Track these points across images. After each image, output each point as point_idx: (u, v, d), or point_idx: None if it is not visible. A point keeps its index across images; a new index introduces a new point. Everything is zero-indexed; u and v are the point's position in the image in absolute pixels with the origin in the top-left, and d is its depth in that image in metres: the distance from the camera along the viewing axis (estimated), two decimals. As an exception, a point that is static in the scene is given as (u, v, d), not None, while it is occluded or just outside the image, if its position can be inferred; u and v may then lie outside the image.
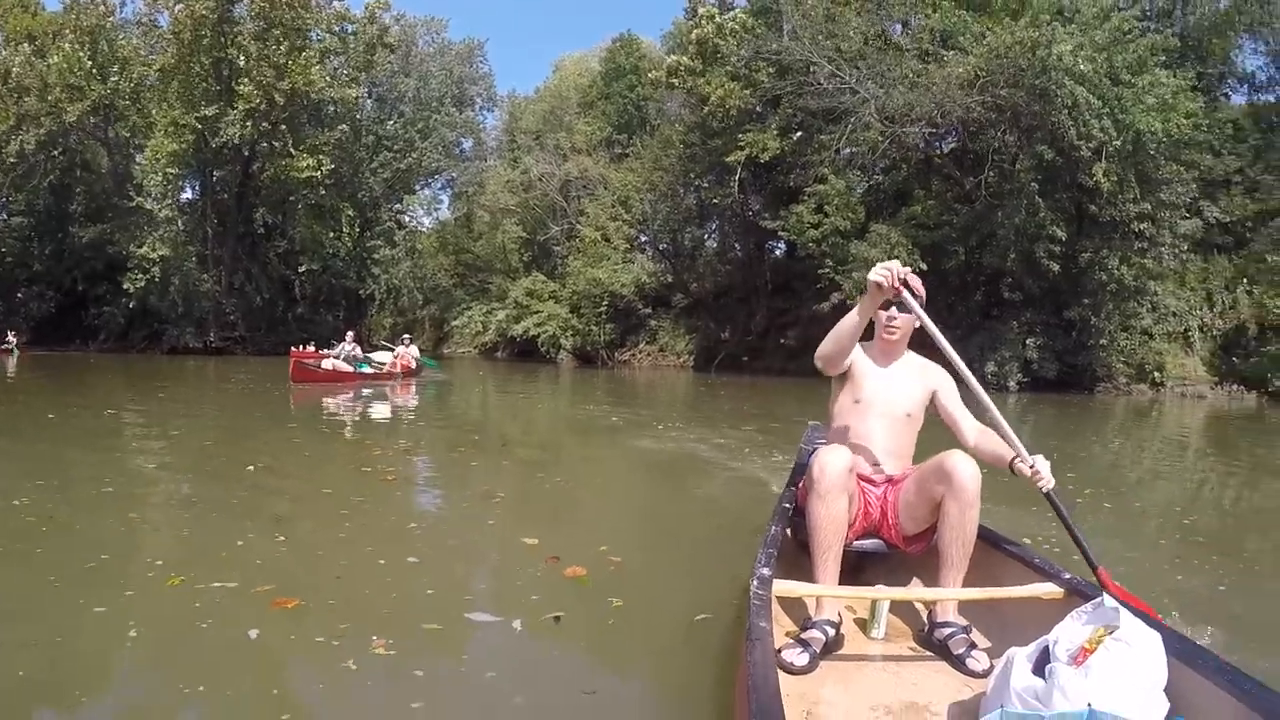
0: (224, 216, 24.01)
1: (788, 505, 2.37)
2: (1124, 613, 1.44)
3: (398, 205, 29.15)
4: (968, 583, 1.95)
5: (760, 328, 19.24)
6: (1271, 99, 21.47)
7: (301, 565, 2.69)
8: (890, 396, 2.20)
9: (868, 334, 2.16)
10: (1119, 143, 13.90)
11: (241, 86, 20.98)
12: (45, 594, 2.29)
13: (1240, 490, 5.80)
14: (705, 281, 21.69)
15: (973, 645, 1.83)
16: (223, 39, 21.50)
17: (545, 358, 22.48)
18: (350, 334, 13.99)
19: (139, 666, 1.92)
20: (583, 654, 2.18)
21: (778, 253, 18.94)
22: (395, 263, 27.58)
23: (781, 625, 1.98)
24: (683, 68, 18.77)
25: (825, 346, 2.13)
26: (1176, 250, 16.10)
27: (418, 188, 30.61)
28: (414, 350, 14.97)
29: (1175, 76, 14.67)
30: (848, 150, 16.56)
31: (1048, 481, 1.91)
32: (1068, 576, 1.84)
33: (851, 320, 2.01)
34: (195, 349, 22.47)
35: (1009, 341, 15.51)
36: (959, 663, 1.80)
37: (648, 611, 2.45)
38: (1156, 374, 16.32)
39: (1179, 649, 1.44)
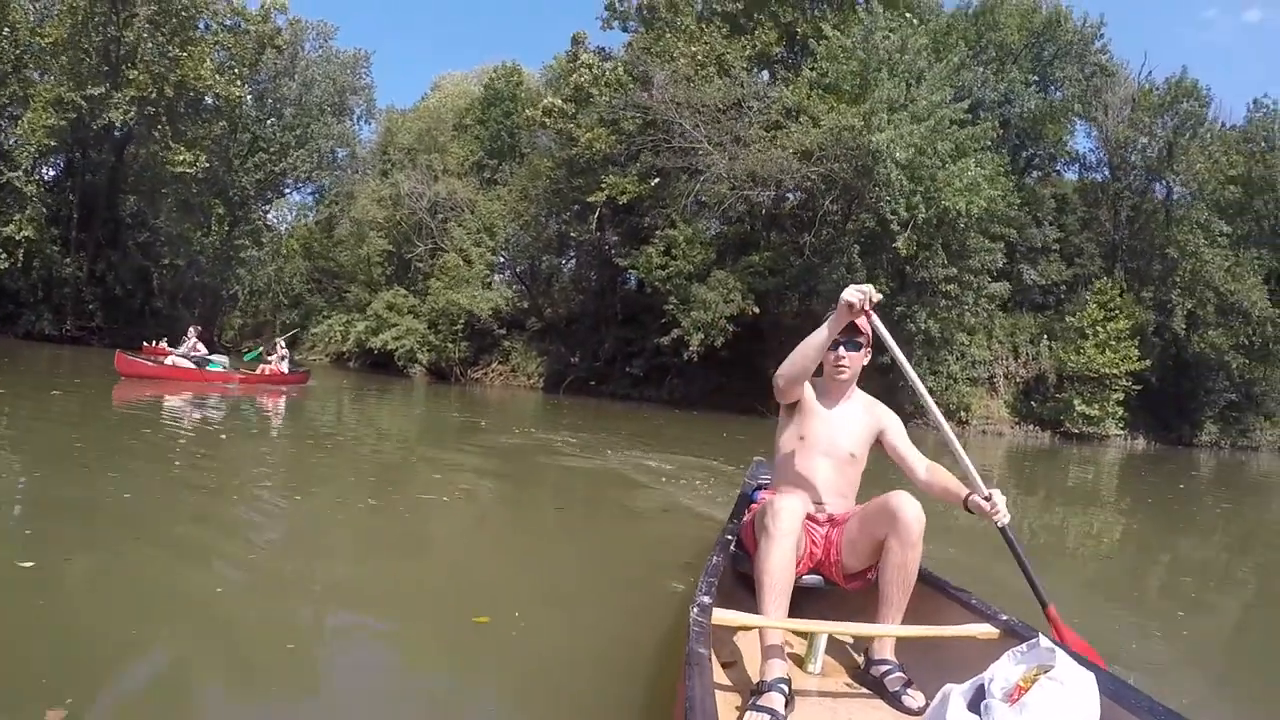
0: (90, 201, 23.46)
1: (730, 538, 2.46)
2: (1059, 653, 1.52)
3: (267, 207, 28.37)
4: (906, 621, 2.03)
5: (608, 355, 20.64)
6: (1099, 178, 25.22)
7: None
8: (835, 436, 2.31)
9: (818, 372, 2.29)
10: (926, 216, 16.08)
11: (132, 72, 21.04)
12: None
13: (1036, 511, 7.23)
14: (559, 307, 23.08)
15: (908, 683, 1.90)
16: (117, 19, 21.20)
17: (398, 370, 23.09)
18: (193, 330, 13.59)
19: None
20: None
21: (629, 285, 19.99)
22: (261, 265, 26.85)
23: (717, 656, 2.03)
24: (557, 109, 19.90)
25: (788, 366, 2.23)
26: (982, 308, 18.67)
27: (288, 192, 29.80)
28: (281, 352, 14.52)
29: (991, 162, 17.55)
30: (698, 201, 17.86)
31: (1003, 516, 2.00)
32: (1004, 618, 1.93)
33: (819, 337, 2.12)
34: (51, 336, 21.99)
35: (829, 381, 17.25)
36: (895, 700, 1.88)
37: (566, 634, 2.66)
38: (963, 413, 18.89)
39: (1112, 690, 1.52)
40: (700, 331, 17.00)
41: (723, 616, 1.83)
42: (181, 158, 21.77)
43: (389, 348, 23.11)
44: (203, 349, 13.24)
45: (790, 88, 18.43)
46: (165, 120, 22.13)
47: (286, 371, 14.17)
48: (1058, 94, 24.07)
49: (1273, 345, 23.11)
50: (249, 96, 25.79)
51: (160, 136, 22.11)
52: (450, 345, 22.73)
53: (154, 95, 21.20)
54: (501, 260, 24.80)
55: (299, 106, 28.53)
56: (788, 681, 1.78)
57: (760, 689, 1.77)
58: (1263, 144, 23.68)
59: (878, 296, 2.07)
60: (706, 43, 19.33)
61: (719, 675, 1.95)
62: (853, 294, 2.00)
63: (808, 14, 20.44)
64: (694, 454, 8.40)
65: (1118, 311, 19.74)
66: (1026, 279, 21.57)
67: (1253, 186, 22.91)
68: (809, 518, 2.22)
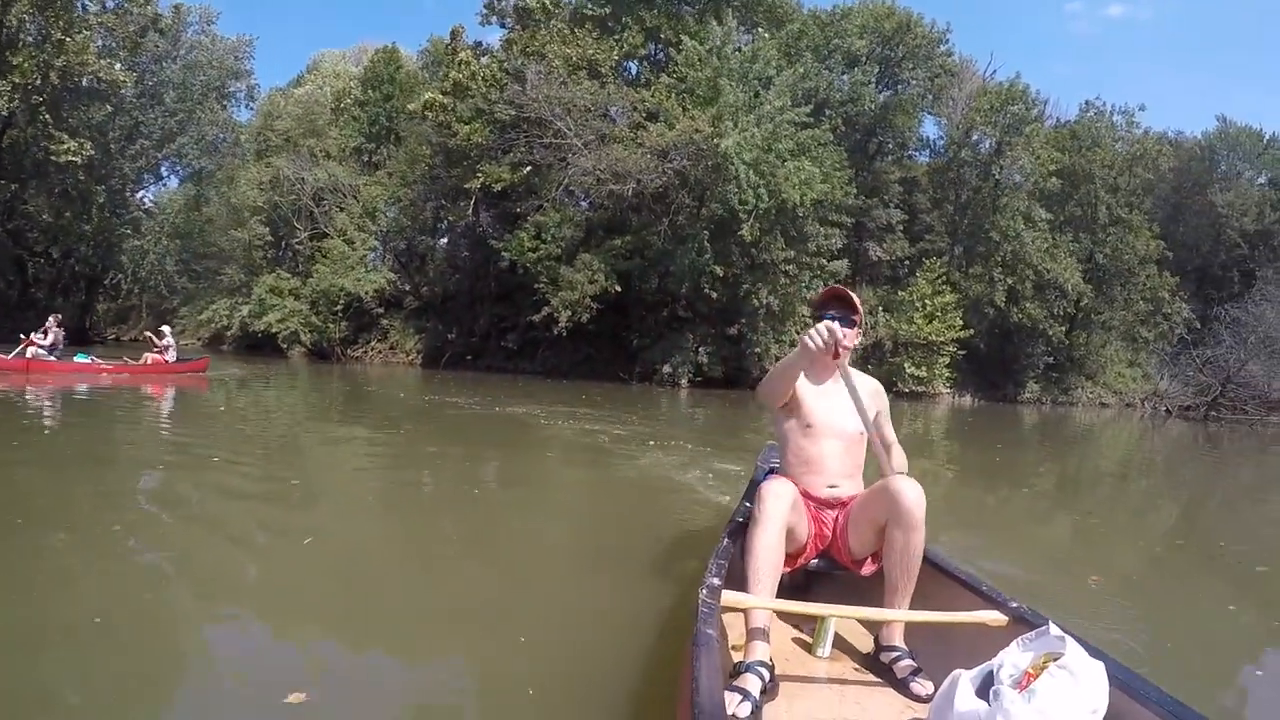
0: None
1: (740, 520, 2.56)
2: (1069, 641, 1.59)
3: (147, 194, 29.32)
4: (915, 607, 2.13)
5: (483, 330, 23.33)
6: (945, 160, 28.88)
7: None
8: (840, 416, 2.41)
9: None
10: (768, 206, 19.27)
11: (16, 58, 21.74)
12: None
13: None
14: (435, 286, 25.29)
15: (917, 670, 2.00)
16: (-1, 3, 21.81)
17: (275, 351, 25.08)
18: (53, 319, 13.18)
19: None
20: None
21: (503, 264, 22.42)
22: (144, 253, 27.80)
23: (724, 637, 2.12)
24: (437, 104, 22.21)
25: (766, 387, 2.40)
26: (821, 284, 21.91)
27: (167, 177, 30.73)
28: (169, 340, 13.92)
29: (830, 158, 21.14)
30: (567, 190, 20.52)
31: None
32: (1014, 605, 2.02)
33: (790, 368, 2.27)
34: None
35: (683, 349, 20.49)
36: (903, 686, 1.98)
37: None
38: (804, 378, 22.06)
39: (1122, 679, 1.60)
40: (568, 309, 19.75)
41: (731, 598, 1.92)
42: (66, 146, 22.78)
43: (273, 330, 24.95)
44: (52, 340, 12.63)
45: (651, 90, 21.35)
46: (46, 107, 22.95)
47: (173, 360, 13.65)
48: (907, 90, 27.78)
49: (1094, 316, 27.48)
50: (130, 81, 26.71)
51: (43, 124, 22.97)
52: (331, 325, 24.74)
53: (39, 82, 22.05)
54: (379, 244, 26.71)
55: (183, 90, 29.59)
56: (769, 665, 1.87)
57: (738, 670, 1.85)
58: (1089, 141, 27.97)
59: (846, 341, 2.26)
60: (579, 45, 22.04)
61: (732, 655, 2.04)
62: (812, 339, 2.00)
63: (670, 20, 23.34)
64: (574, 407, 11.80)
65: (946, 287, 23.42)
66: (872, 255, 25.19)
67: (1075, 179, 27.11)
68: (819, 501, 2.36)
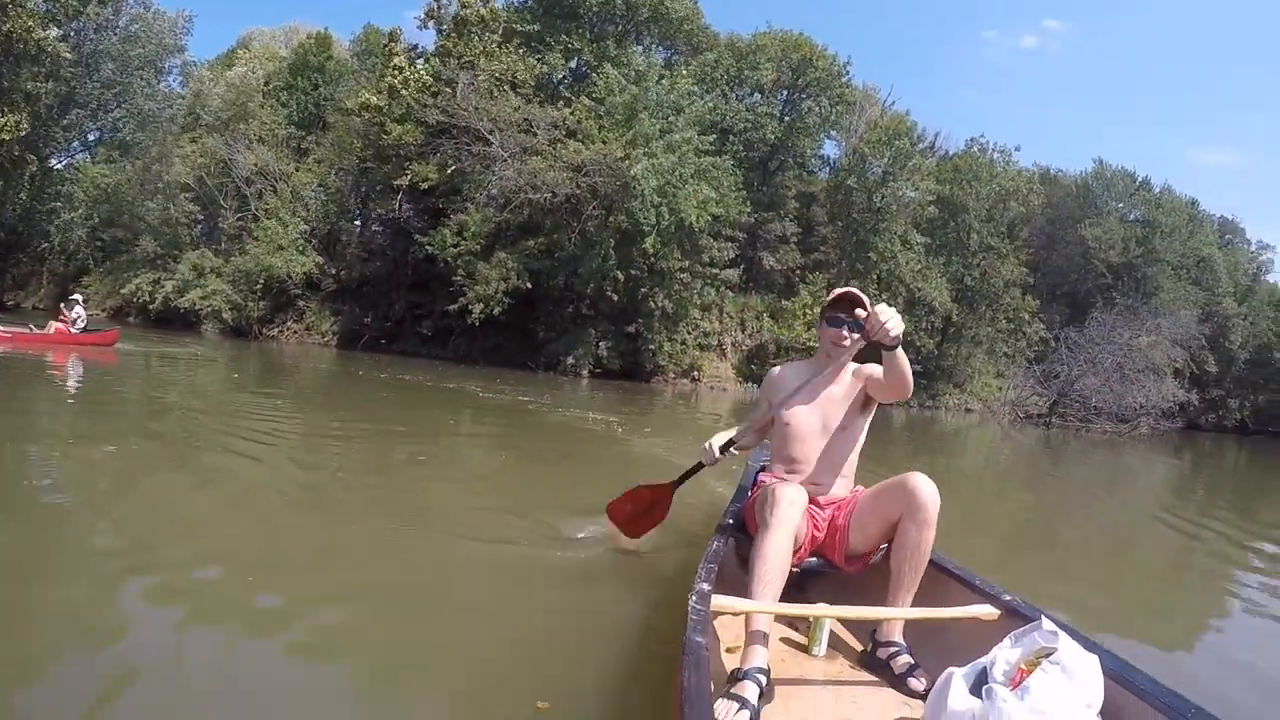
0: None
1: (731, 521, 2.79)
2: (1062, 635, 1.70)
3: (75, 164, 30.79)
4: (913, 604, 2.28)
5: (398, 316, 26.46)
6: (848, 179, 32.93)
7: None
8: (826, 415, 2.71)
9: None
10: (668, 223, 23.14)
11: None
12: None
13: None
14: (353, 271, 28.06)
15: (914, 665, 2.14)
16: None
17: (185, 326, 27.79)
18: None
19: None
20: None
21: (419, 255, 24.85)
22: (72, 226, 29.70)
23: (718, 642, 2.28)
24: (372, 105, 25.54)
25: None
26: (711, 291, 25.89)
27: (98, 149, 32.13)
28: (79, 310, 14.25)
29: (728, 179, 25.02)
30: (487, 193, 23.72)
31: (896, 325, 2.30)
32: (1007, 598, 2.17)
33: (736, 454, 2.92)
34: None
35: (585, 343, 24.22)
36: (900, 682, 2.12)
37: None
38: (696, 372, 26.11)
39: (1117, 671, 1.70)
40: (482, 302, 23.08)
41: (722, 602, 2.00)
42: (4, 121, 24.65)
43: (195, 306, 27.67)
44: None
45: (571, 109, 24.90)
46: None
47: (79, 331, 13.89)
48: (809, 117, 32.03)
49: (964, 331, 32.35)
50: (68, 51, 28.26)
51: None
52: (250, 304, 27.52)
53: None
54: (307, 228, 29.40)
55: (120, 62, 31.36)
56: (766, 671, 1.96)
57: (736, 676, 1.94)
58: (970, 175, 32.75)
59: (717, 451, 2.95)
60: (504, 61, 25.41)
61: (722, 660, 2.16)
62: (703, 456, 2.95)
63: (593, 43, 26.94)
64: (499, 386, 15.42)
65: (820, 301, 27.67)
66: (765, 264, 29.41)
67: (952, 208, 31.84)
68: (812, 501, 2.54)
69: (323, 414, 9.67)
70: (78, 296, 14.93)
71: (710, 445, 2.91)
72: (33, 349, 12.33)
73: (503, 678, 2.44)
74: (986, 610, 2.14)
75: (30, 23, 24.64)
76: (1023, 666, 1.69)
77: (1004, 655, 1.75)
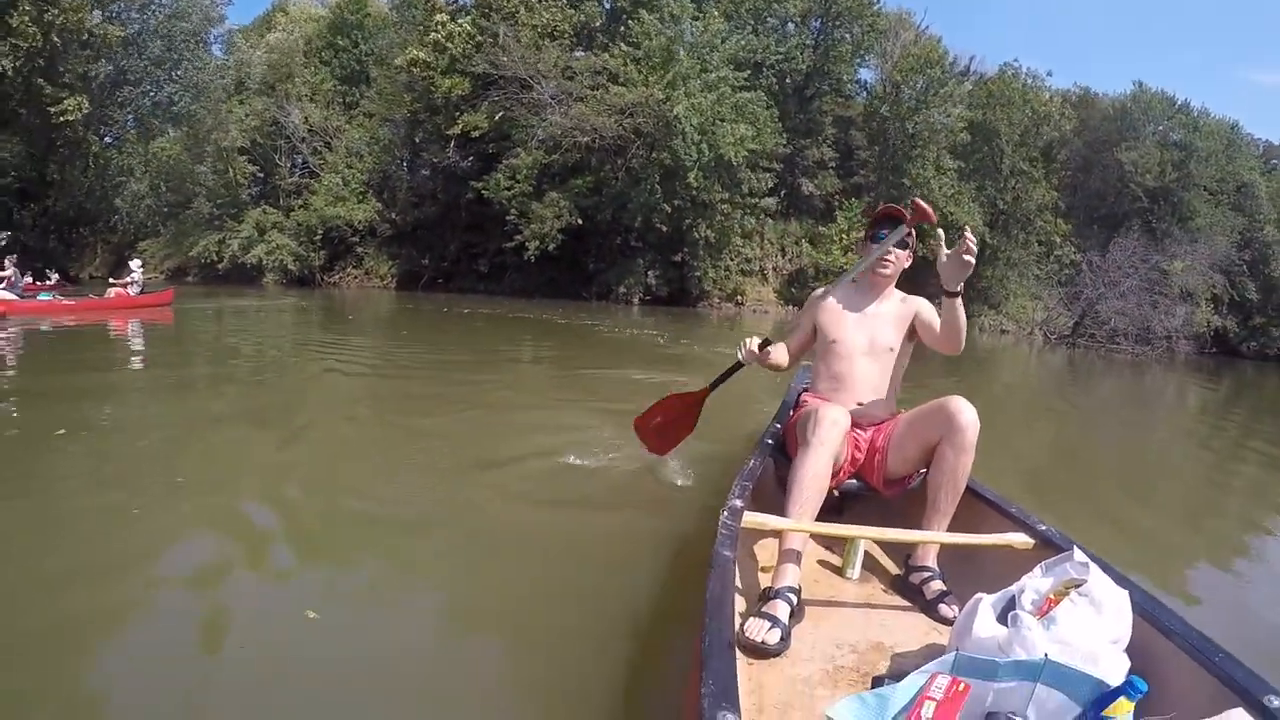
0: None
1: (770, 441, 2.84)
2: (1093, 567, 1.73)
3: (134, 140, 33.35)
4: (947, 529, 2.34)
5: (454, 256, 28.92)
6: (882, 107, 34.57)
7: None
8: (873, 334, 2.76)
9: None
10: (709, 158, 25.21)
11: (14, 19, 25.41)
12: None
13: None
14: (407, 215, 30.46)
15: (946, 592, 2.20)
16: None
17: (244, 280, 29.99)
18: (9, 260, 14.09)
19: None
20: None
21: (471, 197, 27.60)
22: (140, 198, 32.60)
23: (754, 561, 2.37)
24: (420, 61, 27.73)
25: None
26: (751, 219, 27.97)
27: (156, 121, 34.66)
28: (137, 274, 14.92)
29: (763, 114, 26.88)
30: (536, 138, 25.91)
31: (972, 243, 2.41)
32: (1042, 528, 2.22)
33: (766, 368, 2.86)
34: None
35: (635, 272, 26.47)
36: (931, 608, 2.18)
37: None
38: (739, 297, 28.43)
39: (1146, 608, 1.72)
40: (538, 239, 25.39)
41: (754, 519, 2.06)
42: (69, 103, 26.90)
43: (261, 261, 30.22)
44: (15, 278, 13.79)
45: (610, 54, 26.90)
46: (46, 66, 26.91)
47: (136, 294, 14.44)
48: (840, 46, 33.61)
49: (999, 253, 34.15)
50: (121, 34, 29.89)
51: (45, 83, 27.01)
52: (311, 254, 30.12)
53: (40, 45, 26.02)
54: (365, 177, 31.69)
55: (167, 39, 33.72)
56: (797, 590, 2.04)
57: (767, 595, 2.01)
58: (1002, 99, 34.23)
59: (900, 262, 2.80)
60: (545, 13, 27.50)
61: (758, 578, 2.24)
62: (740, 355, 2.84)
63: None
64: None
65: (860, 223, 29.59)
66: (804, 190, 31.41)
67: (985, 133, 33.42)
68: (853, 423, 2.57)
69: (408, 345, 11.28)
70: (136, 262, 15.65)
71: (747, 342, 2.83)
72: (95, 316, 12.62)
73: (540, 590, 2.72)
74: (1021, 539, 2.19)
75: (80, 15, 26.75)
76: (1051, 596, 1.72)
77: (1033, 584, 1.80)
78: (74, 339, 10.11)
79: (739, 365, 2.94)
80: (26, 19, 25.74)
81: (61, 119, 27.07)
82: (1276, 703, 1.41)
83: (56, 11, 26.33)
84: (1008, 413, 9.76)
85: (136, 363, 8.42)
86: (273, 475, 4.00)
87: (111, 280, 15.34)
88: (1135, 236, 33.98)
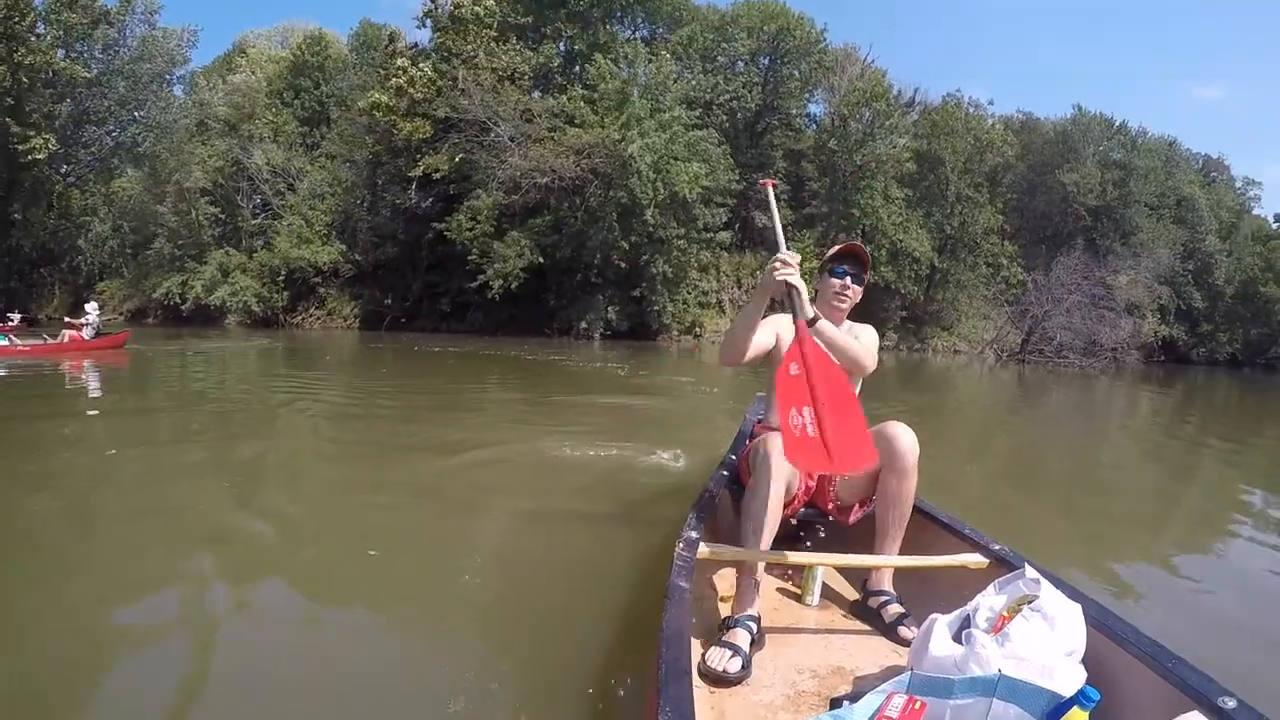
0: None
1: (726, 472, 2.90)
2: (1044, 583, 1.79)
3: (98, 179, 33.81)
4: (902, 553, 2.41)
5: (416, 295, 29.82)
6: (829, 141, 36.07)
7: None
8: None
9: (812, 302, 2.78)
10: (664, 196, 26.30)
11: None
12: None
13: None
14: (369, 255, 31.29)
15: (904, 614, 2.27)
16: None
17: (206, 322, 30.59)
18: None
19: None
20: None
21: (431, 237, 28.73)
22: (104, 238, 33.09)
23: (713, 591, 2.43)
24: (383, 105, 28.50)
25: (726, 344, 2.68)
26: (707, 253, 29.23)
27: (125, 165, 35.13)
28: (93, 317, 15.03)
29: (714, 150, 28.27)
30: (496, 180, 26.99)
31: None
32: (995, 547, 2.28)
33: (752, 313, 2.59)
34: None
35: (596, 308, 27.57)
36: (890, 630, 2.24)
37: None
38: (697, 329, 29.51)
39: (1099, 620, 1.78)
40: (501, 278, 26.41)
41: (709, 550, 2.11)
42: (35, 143, 27.61)
43: (225, 303, 30.82)
44: None
45: (566, 96, 28.12)
46: (14, 105, 27.59)
47: (90, 338, 14.53)
48: (788, 83, 35.19)
49: (949, 276, 35.75)
50: (87, 74, 30.72)
51: (10, 122, 27.66)
52: (274, 295, 30.80)
53: (8, 84, 26.85)
54: (329, 219, 32.49)
55: (131, 80, 34.30)
56: (757, 619, 2.10)
57: (727, 624, 2.07)
58: (946, 129, 35.97)
59: (853, 296, 2.70)
60: (504, 57, 28.63)
61: (717, 608, 2.29)
62: (777, 269, 2.36)
63: (581, 29, 30.13)
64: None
65: (811, 254, 30.97)
66: (757, 223, 32.80)
67: (930, 162, 35.10)
68: None
69: (391, 381, 12.08)
70: (92, 305, 15.73)
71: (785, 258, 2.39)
72: (50, 358, 12.84)
73: (500, 617, 2.77)
74: (975, 559, 2.25)
75: (50, 56, 27.57)
76: (1004, 613, 1.77)
77: (987, 602, 1.85)
78: (24, 384, 9.86)
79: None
80: None
81: (29, 158, 27.60)
82: (1231, 704, 1.46)
83: (25, 51, 27.01)
84: (961, 429, 10.18)
85: (85, 409, 8.21)
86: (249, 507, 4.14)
87: (67, 320, 15.46)
88: (1078, 254, 35.77)
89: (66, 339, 14.13)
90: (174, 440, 6.23)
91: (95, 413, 7.87)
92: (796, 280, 2.40)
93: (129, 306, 36.95)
